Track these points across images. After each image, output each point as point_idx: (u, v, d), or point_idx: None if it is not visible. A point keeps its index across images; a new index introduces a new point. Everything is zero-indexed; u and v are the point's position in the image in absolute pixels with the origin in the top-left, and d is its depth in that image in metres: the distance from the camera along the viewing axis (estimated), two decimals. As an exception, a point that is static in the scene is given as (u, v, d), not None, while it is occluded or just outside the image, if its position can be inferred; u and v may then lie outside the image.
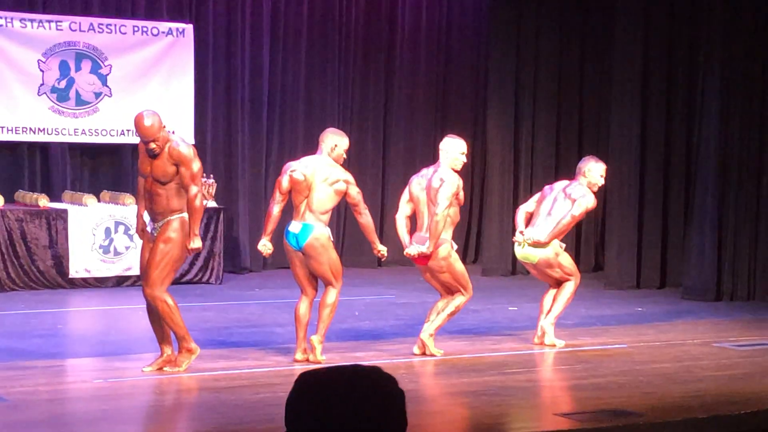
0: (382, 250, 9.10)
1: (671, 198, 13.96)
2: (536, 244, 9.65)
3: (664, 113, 13.81)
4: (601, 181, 9.93)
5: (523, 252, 9.81)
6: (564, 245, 9.88)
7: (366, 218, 8.98)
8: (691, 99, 13.60)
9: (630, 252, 13.81)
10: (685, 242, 13.52)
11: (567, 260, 9.84)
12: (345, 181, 8.88)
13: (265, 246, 8.96)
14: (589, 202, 9.77)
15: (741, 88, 12.80)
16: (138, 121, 8.15)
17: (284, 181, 8.85)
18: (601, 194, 14.97)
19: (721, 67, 12.86)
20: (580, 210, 9.74)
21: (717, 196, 12.94)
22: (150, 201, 8.22)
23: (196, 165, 8.20)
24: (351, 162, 14.76)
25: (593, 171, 9.83)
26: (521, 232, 9.75)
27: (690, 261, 13.17)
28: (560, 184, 9.97)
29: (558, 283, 9.83)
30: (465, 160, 9.33)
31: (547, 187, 10.04)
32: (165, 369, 8.34)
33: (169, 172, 8.13)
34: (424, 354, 9.22)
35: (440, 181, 9.12)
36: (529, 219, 9.86)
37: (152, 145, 8.08)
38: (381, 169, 15.39)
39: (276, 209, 8.88)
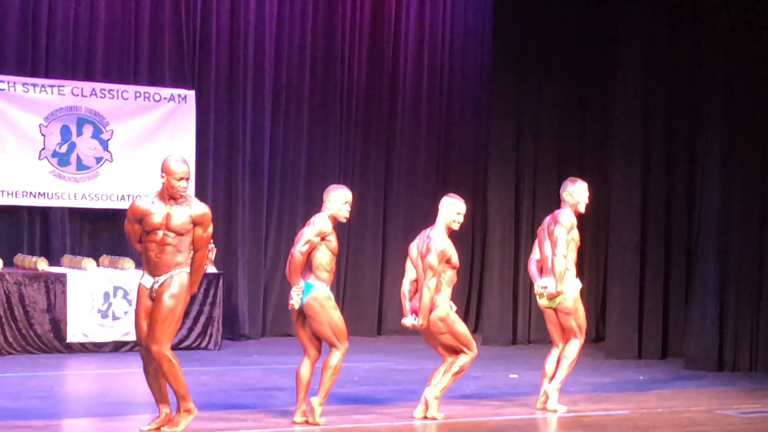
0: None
1: (672, 267, 13.90)
2: (555, 296, 9.61)
3: (665, 181, 13.81)
4: (584, 199, 9.79)
5: (544, 300, 9.76)
6: (581, 286, 9.79)
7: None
8: (692, 167, 13.61)
9: (631, 322, 13.72)
10: (686, 312, 13.44)
11: (582, 313, 9.79)
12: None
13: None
14: (564, 220, 9.65)
15: (742, 155, 12.81)
16: (172, 159, 8.16)
17: None
18: (602, 264, 15.03)
19: (721, 141, 12.87)
20: (560, 230, 9.61)
21: (718, 266, 12.88)
22: (158, 254, 8.15)
23: (212, 228, 8.30)
24: (351, 227, 14.79)
25: (573, 194, 9.78)
26: (543, 287, 9.67)
27: (692, 331, 13.08)
28: (547, 219, 9.91)
29: (565, 338, 9.75)
30: (462, 221, 9.27)
31: (539, 229, 9.99)
32: (163, 429, 8.25)
33: (187, 225, 8.13)
34: (425, 417, 9.13)
35: (426, 248, 9.09)
36: (542, 267, 9.79)
37: (185, 183, 8.10)
38: (381, 235, 15.37)
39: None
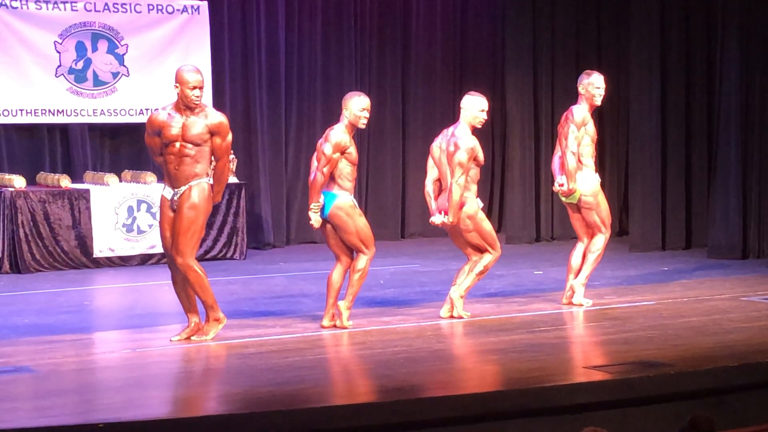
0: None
1: (694, 158, 13.86)
2: (569, 193, 9.60)
3: (684, 73, 13.71)
4: (600, 92, 9.70)
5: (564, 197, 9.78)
6: (599, 180, 9.78)
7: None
8: (711, 58, 13.50)
9: (654, 214, 13.73)
10: (709, 202, 13.43)
11: (605, 207, 9.78)
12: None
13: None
14: (576, 116, 9.59)
15: (761, 45, 12.69)
16: (185, 69, 8.20)
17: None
18: (623, 157, 14.98)
19: (740, 26, 12.76)
20: (570, 127, 9.57)
21: (740, 154, 12.84)
22: (176, 165, 8.18)
23: (230, 136, 8.27)
24: (370, 133, 14.76)
25: (589, 87, 9.71)
26: (560, 185, 9.66)
27: (715, 220, 13.09)
28: (564, 115, 9.87)
29: (590, 233, 9.76)
30: (485, 118, 9.28)
31: (559, 125, 9.96)
32: (193, 338, 8.35)
33: (203, 136, 8.14)
34: (451, 317, 9.21)
35: (454, 146, 9.08)
36: (563, 163, 9.74)
37: (199, 92, 8.12)
38: (401, 139, 15.33)
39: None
